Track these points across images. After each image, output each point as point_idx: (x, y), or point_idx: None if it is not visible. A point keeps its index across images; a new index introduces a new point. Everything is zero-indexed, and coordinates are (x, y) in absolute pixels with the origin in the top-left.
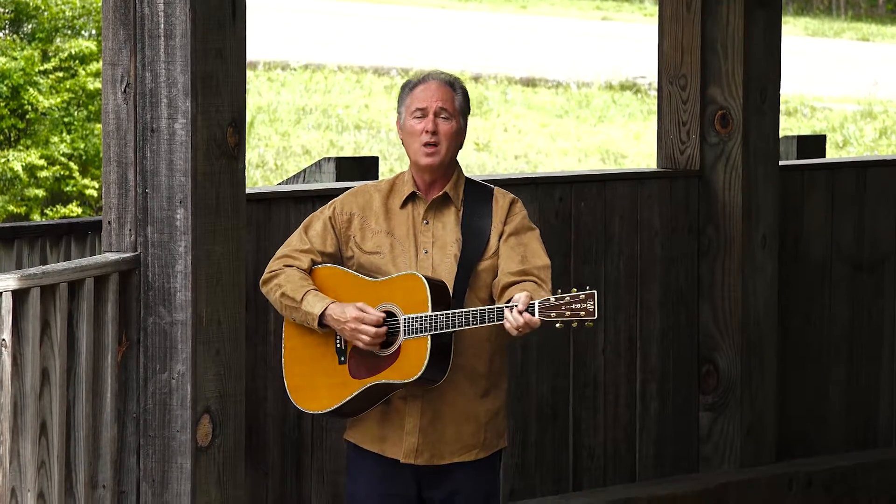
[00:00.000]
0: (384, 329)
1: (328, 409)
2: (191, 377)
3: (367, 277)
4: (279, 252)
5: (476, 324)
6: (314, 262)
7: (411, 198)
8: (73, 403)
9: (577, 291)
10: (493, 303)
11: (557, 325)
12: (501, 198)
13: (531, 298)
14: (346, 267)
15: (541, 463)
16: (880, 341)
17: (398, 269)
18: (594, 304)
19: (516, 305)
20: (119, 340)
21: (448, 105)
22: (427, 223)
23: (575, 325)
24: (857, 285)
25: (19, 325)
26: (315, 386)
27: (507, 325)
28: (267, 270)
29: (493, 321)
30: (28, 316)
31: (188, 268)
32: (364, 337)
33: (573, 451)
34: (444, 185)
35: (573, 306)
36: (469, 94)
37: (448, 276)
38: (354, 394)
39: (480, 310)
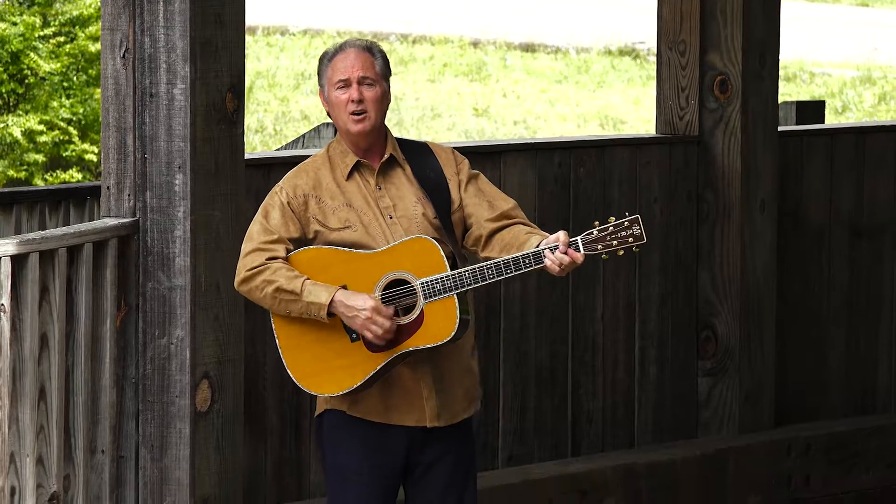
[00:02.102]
0: (395, 325)
1: (352, 388)
2: (189, 342)
3: (360, 251)
4: (246, 248)
5: (511, 272)
6: (287, 251)
7: (356, 167)
8: (71, 368)
9: (619, 219)
10: (465, 254)
11: (603, 256)
12: (441, 150)
13: (567, 236)
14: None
15: (539, 428)
16: (879, 308)
17: (373, 238)
18: (640, 228)
19: (557, 246)
20: (118, 306)
21: (369, 72)
22: (380, 188)
23: (621, 252)
24: (857, 251)
25: (18, 291)
26: (330, 369)
27: (550, 265)
28: (243, 269)
29: (532, 266)
30: (27, 281)
31: (187, 233)
32: (377, 329)
33: (572, 417)
34: (383, 149)
35: (620, 234)
36: (387, 56)
37: (425, 234)
38: (379, 367)
39: (514, 258)
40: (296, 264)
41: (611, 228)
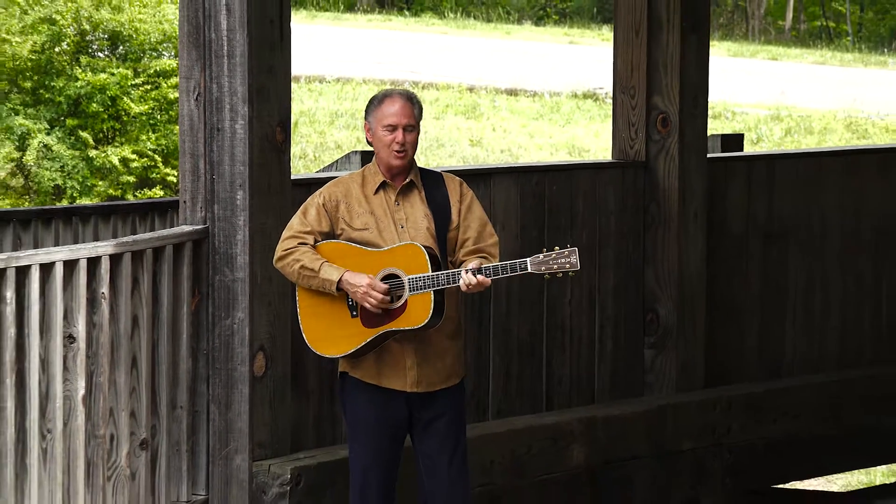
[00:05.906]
0: (388, 298)
1: (346, 353)
2: (248, 322)
3: (367, 248)
4: (285, 235)
5: (456, 282)
6: (316, 241)
7: (382, 185)
8: (157, 343)
9: (561, 248)
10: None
11: (546, 276)
12: (450, 181)
13: (480, 264)
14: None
15: (520, 390)
16: (785, 297)
17: (385, 240)
18: (576, 258)
19: (471, 269)
20: (192, 294)
21: (412, 120)
22: (398, 204)
23: (560, 275)
24: (768, 253)
25: (115, 282)
26: (333, 336)
27: (462, 284)
28: (281, 249)
29: (457, 282)
30: (122, 275)
31: (246, 237)
32: (372, 300)
33: (546, 380)
34: (407, 174)
35: (559, 260)
36: (422, 103)
37: (425, 244)
38: (369, 339)
39: (452, 272)
40: (320, 251)
41: (553, 254)
